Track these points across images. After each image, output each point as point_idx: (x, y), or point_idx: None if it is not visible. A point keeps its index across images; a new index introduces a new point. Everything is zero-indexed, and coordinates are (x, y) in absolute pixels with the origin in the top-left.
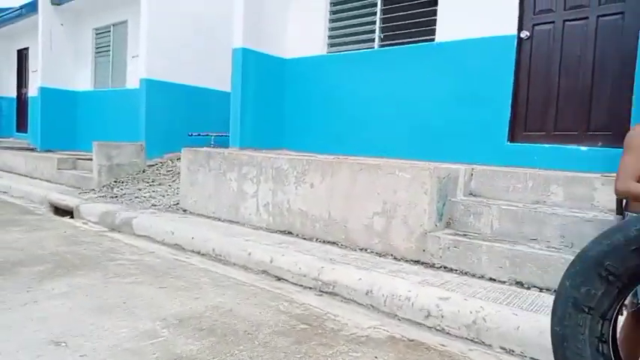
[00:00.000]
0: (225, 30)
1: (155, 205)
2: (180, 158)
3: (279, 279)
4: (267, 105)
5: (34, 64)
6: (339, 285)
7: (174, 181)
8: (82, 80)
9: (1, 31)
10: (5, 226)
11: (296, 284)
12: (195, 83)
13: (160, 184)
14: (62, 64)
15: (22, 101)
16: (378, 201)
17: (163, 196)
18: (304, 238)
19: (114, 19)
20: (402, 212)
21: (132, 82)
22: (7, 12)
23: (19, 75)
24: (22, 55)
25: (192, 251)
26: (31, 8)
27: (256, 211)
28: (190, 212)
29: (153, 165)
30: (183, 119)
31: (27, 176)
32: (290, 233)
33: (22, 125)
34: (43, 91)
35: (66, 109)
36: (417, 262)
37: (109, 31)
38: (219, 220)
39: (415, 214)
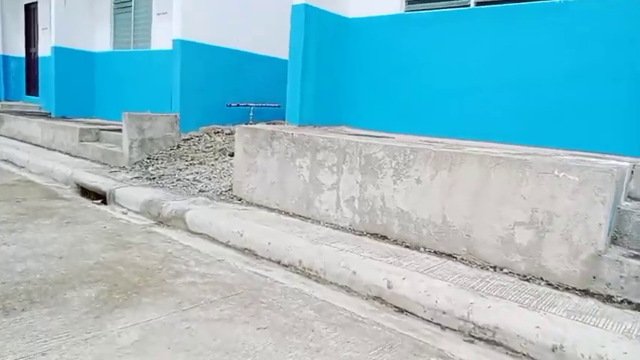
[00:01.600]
0: None
1: (203, 192)
2: (218, 132)
3: (400, 310)
4: (328, 74)
5: (43, 20)
6: (502, 332)
7: (216, 159)
8: (99, 40)
9: None
10: (33, 218)
11: (430, 321)
12: (231, 45)
13: (201, 163)
14: (77, 22)
15: (31, 61)
16: (522, 208)
17: (209, 179)
18: (406, 246)
19: None
20: (563, 225)
21: (158, 43)
22: None
23: (28, 33)
24: (30, 11)
25: (270, 260)
26: None
27: (336, 206)
28: (248, 202)
29: (188, 139)
30: (219, 87)
31: (44, 147)
32: (384, 238)
33: (32, 87)
34: (57, 51)
35: (82, 72)
36: (584, 292)
37: None
38: (286, 213)
39: (583, 229)
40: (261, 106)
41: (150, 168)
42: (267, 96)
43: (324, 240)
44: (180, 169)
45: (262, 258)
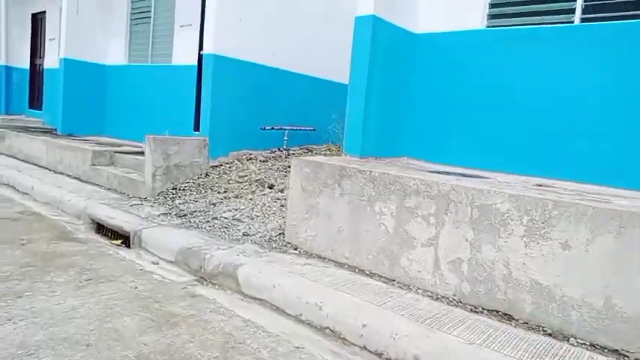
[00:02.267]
0: None
1: (248, 235)
2: (250, 159)
3: None
4: (393, 98)
5: (52, 30)
6: None
7: (254, 192)
8: (112, 52)
9: None
10: (44, 272)
11: None
12: (265, 62)
13: (237, 197)
14: (89, 32)
15: (36, 73)
16: None
17: (252, 218)
18: (547, 333)
19: None
20: None
21: (179, 58)
22: None
23: (34, 43)
24: (38, 20)
25: (365, 349)
26: None
27: (433, 268)
28: (306, 252)
29: (217, 166)
30: (250, 108)
31: (49, 169)
32: (509, 317)
33: (35, 101)
34: (66, 63)
35: (93, 86)
36: None
37: None
38: (360, 271)
39: None
40: (297, 129)
41: (177, 201)
42: (301, 118)
43: (434, 321)
44: (214, 204)
45: (354, 345)
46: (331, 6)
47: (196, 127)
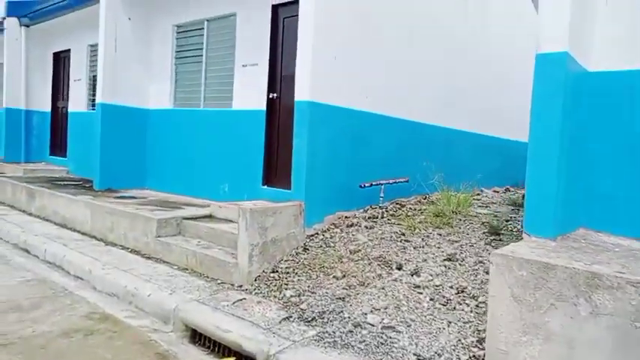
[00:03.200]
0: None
1: (423, 359)
2: (352, 225)
3: None
4: (585, 154)
5: (76, 71)
6: None
7: (380, 275)
8: (155, 95)
9: (35, 28)
10: None
11: None
12: (360, 107)
13: (363, 284)
14: (128, 73)
15: (57, 117)
16: None
17: (408, 325)
18: None
19: (210, 11)
20: None
21: (241, 102)
22: (48, 3)
23: (55, 84)
24: (60, 60)
25: None
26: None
27: None
28: None
29: (314, 236)
30: (344, 161)
31: (96, 238)
32: None
33: (57, 147)
34: (104, 108)
35: (132, 134)
36: None
37: (201, 29)
38: None
39: None
40: (392, 182)
41: (288, 292)
42: (392, 167)
43: None
44: (341, 298)
45: None
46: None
47: (265, 181)
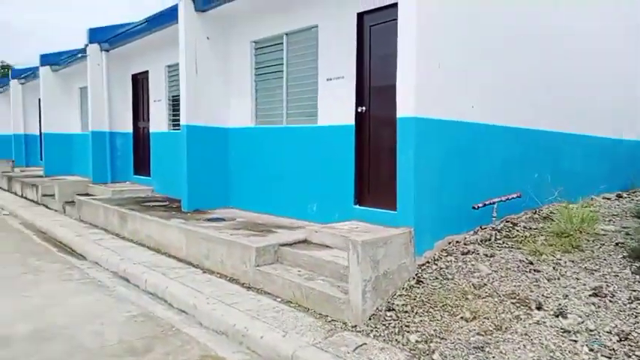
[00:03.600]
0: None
1: None
2: (467, 252)
3: None
4: None
5: (155, 91)
6: None
7: (518, 318)
8: (235, 114)
9: (114, 52)
10: None
11: None
12: (465, 117)
13: (500, 329)
14: (209, 93)
15: (139, 137)
16: None
17: None
18: None
19: (289, 25)
20: None
21: (327, 117)
22: (126, 28)
23: (135, 105)
24: (139, 81)
25: None
26: (163, 20)
27: None
28: None
29: (425, 266)
30: (452, 179)
31: (192, 264)
32: None
33: (141, 167)
34: (189, 130)
35: (215, 154)
36: None
37: (280, 43)
38: None
39: None
40: (505, 200)
41: (412, 336)
42: (501, 182)
43: None
44: (480, 347)
45: None
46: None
47: (358, 200)
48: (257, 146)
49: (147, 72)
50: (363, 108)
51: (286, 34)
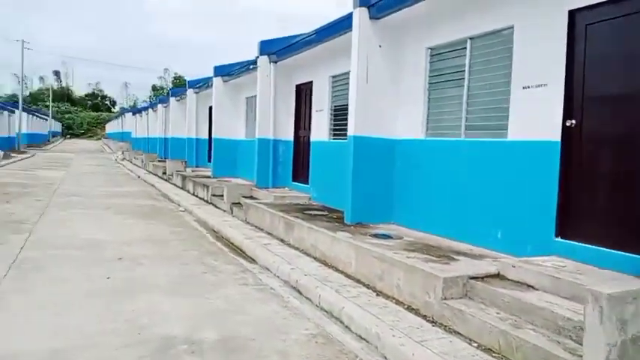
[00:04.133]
0: None
1: None
2: None
3: None
4: None
5: (318, 101)
6: None
7: None
8: (403, 124)
9: (281, 64)
10: None
11: None
12: None
13: None
14: (378, 103)
15: (299, 145)
16: None
17: None
18: None
19: (476, 28)
20: None
21: (522, 131)
22: (295, 39)
23: (297, 114)
24: (302, 91)
25: None
26: (333, 30)
27: None
28: None
29: None
30: None
31: (361, 283)
32: None
33: (299, 174)
34: (357, 142)
35: (380, 166)
36: None
37: (462, 49)
38: None
39: None
40: None
41: None
42: None
43: None
44: None
45: None
46: None
47: (560, 232)
48: (427, 160)
49: (311, 82)
50: (573, 122)
51: (470, 39)
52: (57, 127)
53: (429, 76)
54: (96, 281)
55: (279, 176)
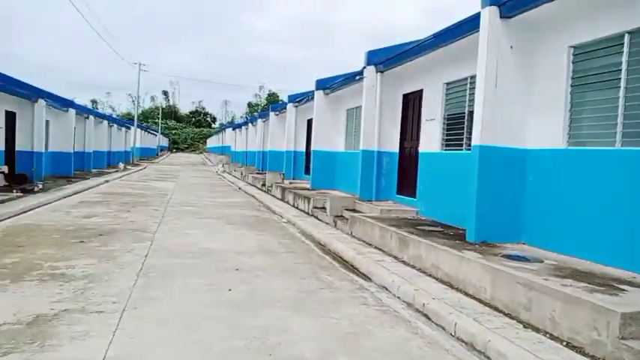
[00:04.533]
0: None
1: None
2: None
3: None
4: None
5: (429, 111)
6: None
7: None
8: (537, 132)
9: (388, 73)
10: None
11: None
12: None
13: None
14: (507, 110)
15: (405, 157)
16: None
17: None
18: None
19: (637, 19)
20: None
21: None
22: (407, 47)
23: (403, 125)
24: (409, 100)
25: None
26: (455, 32)
27: None
28: None
29: None
30: None
31: (501, 312)
32: None
33: (404, 186)
34: (483, 152)
35: (508, 179)
36: None
37: (618, 45)
38: None
39: None
40: None
41: None
42: None
43: None
44: None
45: None
46: None
47: None
48: (570, 172)
49: (420, 91)
50: None
51: (629, 33)
52: (164, 141)
53: (572, 78)
54: (218, 293)
55: (383, 189)
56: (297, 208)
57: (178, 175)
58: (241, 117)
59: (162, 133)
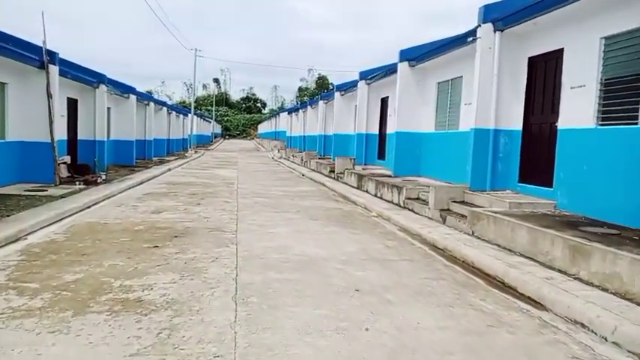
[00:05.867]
0: None
1: None
2: None
3: None
4: None
5: (573, 75)
6: None
7: None
8: None
9: (509, 32)
10: None
11: None
12: None
13: None
14: None
15: (531, 135)
16: None
17: None
18: None
19: None
20: None
21: None
22: None
23: (529, 95)
24: (538, 65)
25: None
26: None
27: None
28: None
29: None
30: None
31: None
32: None
33: (530, 173)
34: None
35: None
36: None
37: None
38: None
39: None
40: None
41: None
42: None
43: None
44: None
45: None
46: None
47: None
48: None
49: (559, 51)
50: None
51: None
52: (217, 128)
53: None
54: (353, 335)
55: (499, 176)
56: (381, 198)
57: (236, 162)
58: (291, 101)
59: (215, 120)
